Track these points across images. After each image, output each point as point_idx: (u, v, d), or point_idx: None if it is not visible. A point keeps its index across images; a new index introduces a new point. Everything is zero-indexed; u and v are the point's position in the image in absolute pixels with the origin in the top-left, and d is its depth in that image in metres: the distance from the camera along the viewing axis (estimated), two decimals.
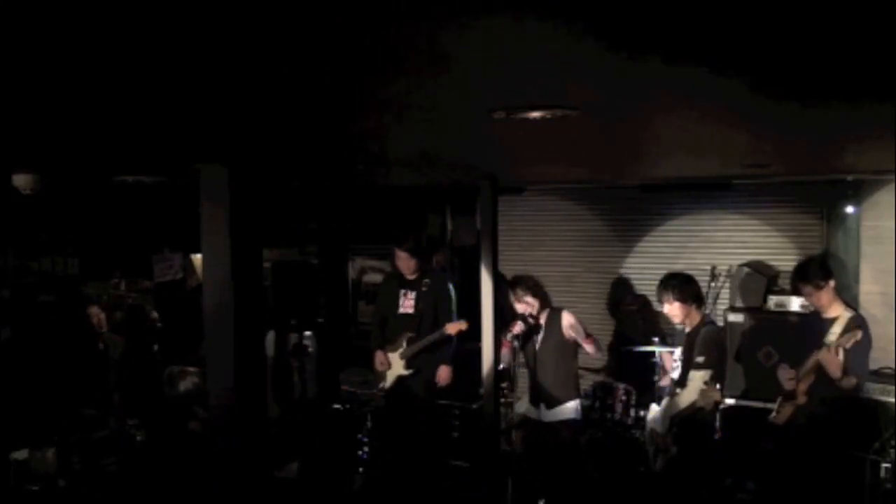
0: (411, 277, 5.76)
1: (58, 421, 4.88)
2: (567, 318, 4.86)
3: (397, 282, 5.85)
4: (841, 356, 4.17)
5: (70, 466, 4.68)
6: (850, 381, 4.21)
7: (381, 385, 5.85)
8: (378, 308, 6.17)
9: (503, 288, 6.42)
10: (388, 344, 5.81)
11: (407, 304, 5.80)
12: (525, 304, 4.84)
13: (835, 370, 4.18)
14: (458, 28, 1.21)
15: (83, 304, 5.81)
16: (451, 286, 5.90)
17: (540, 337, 4.89)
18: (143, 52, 1.34)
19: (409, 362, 5.68)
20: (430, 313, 5.72)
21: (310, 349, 6.00)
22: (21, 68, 1.47)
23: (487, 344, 4.79)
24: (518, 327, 4.81)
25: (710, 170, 4.90)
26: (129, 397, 5.68)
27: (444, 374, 5.67)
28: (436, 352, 5.69)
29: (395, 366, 5.74)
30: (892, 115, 2.21)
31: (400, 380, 5.74)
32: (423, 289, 5.73)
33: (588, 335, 4.88)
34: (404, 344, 5.70)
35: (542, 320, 4.93)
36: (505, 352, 4.94)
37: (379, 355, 5.79)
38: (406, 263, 5.69)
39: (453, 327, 5.55)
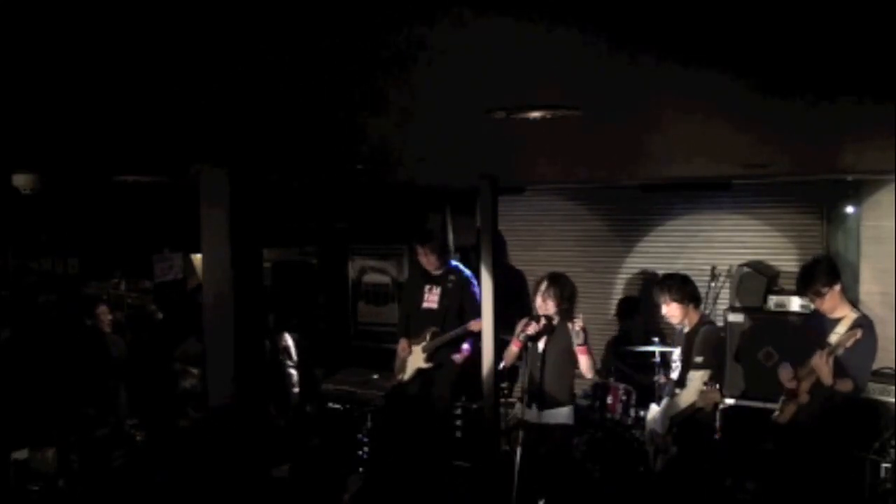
0: (436, 273, 5.82)
1: (58, 421, 4.88)
2: (577, 322, 4.84)
3: (422, 278, 5.92)
4: (831, 363, 4.15)
5: (69, 466, 4.69)
6: (846, 385, 4.18)
7: (399, 377, 5.89)
8: (403, 304, 6.28)
9: (524, 284, 6.45)
10: (412, 337, 5.87)
11: (431, 299, 5.85)
12: (548, 306, 4.80)
13: (825, 377, 4.17)
14: (458, 27, 1.21)
15: (91, 304, 5.82)
16: (475, 283, 5.91)
17: (547, 339, 4.87)
18: (144, 53, 1.34)
19: (431, 356, 5.73)
20: (455, 309, 5.77)
21: (292, 351, 6.01)
22: (22, 68, 1.47)
23: (487, 344, 4.79)
24: (532, 328, 4.78)
25: (710, 170, 4.90)
26: (130, 397, 5.69)
27: (459, 357, 5.70)
28: (457, 347, 5.75)
29: (416, 358, 5.78)
30: (892, 115, 2.21)
31: (420, 372, 5.78)
32: (449, 284, 5.80)
33: (585, 343, 4.78)
34: (427, 337, 5.75)
35: (554, 322, 4.90)
36: (514, 350, 4.92)
37: (403, 341, 5.88)
38: (428, 259, 5.78)
39: (477, 324, 5.53)
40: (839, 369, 4.18)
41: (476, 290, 5.81)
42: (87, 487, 4.72)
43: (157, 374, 5.91)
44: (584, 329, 4.66)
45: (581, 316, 4.74)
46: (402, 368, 5.88)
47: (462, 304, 5.77)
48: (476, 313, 5.67)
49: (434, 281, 5.86)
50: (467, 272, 6.18)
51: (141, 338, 6.21)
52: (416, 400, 5.84)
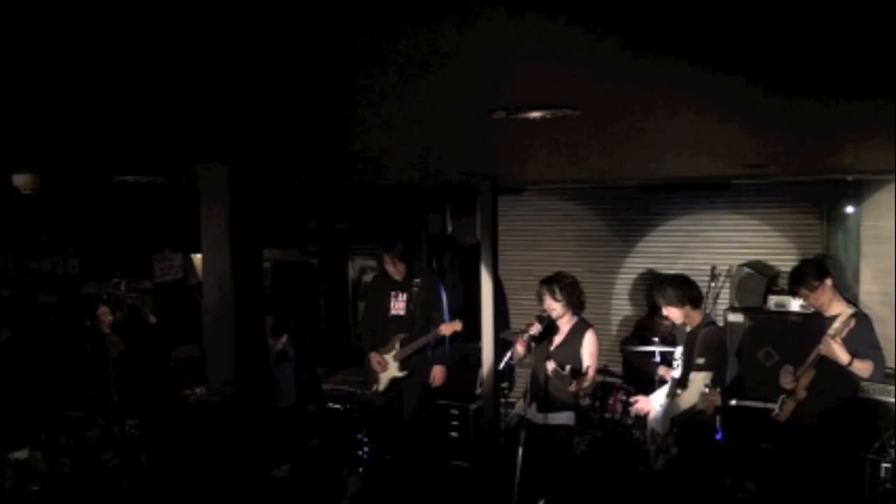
0: (401, 279, 5.74)
1: (48, 422, 4.88)
2: (590, 341, 4.84)
3: (388, 283, 5.81)
4: (840, 341, 4.18)
5: (60, 468, 4.67)
6: (865, 365, 4.18)
7: (374, 388, 5.83)
8: (368, 309, 6.15)
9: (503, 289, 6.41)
10: (380, 346, 5.78)
11: (398, 305, 5.76)
12: (548, 306, 4.83)
13: (841, 356, 4.18)
14: (458, 27, 1.21)
15: (91, 304, 5.81)
16: (441, 286, 5.89)
17: (557, 341, 4.87)
18: (144, 53, 1.34)
19: (403, 364, 5.67)
20: (422, 314, 5.69)
21: (289, 354, 5.95)
22: (21, 68, 1.47)
23: (487, 344, 4.79)
24: (535, 328, 4.80)
25: (710, 170, 4.90)
26: (127, 397, 5.68)
27: (438, 373, 5.66)
28: (429, 352, 5.68)
29: (389, 367, 5.73)
30: (892, 115, 2.21)
31: (394, 382, 5.73)
32: (415, 289, 5.70)
33: (590, 370, 4.81)
34: (397, 346, 5.68)
35: (567, 326, 4.90)
36: (520, 350, 4.95)
37: (374, 356, 5.76)
38: (395, 267, 5.68)
39: (448, 328, 5.54)
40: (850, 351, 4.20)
41: (443, 292, 5.80)
42: (80, 489, 4.71)
43: (150, 375, 5.89)
44: (593, 354, 4.77)
45: (593, 333, 4.82)
46: (376, 380, 5.78)
47: (429, 308, 5.71)
48: (441, 317, 5.67)
49: (400, 287, 5.76)
50: (433, 275, 6.16)
51: (134, 339, 6.19)
52: (396, 406, 5.80)
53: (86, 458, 4.81)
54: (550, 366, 4.66)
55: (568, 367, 4.67)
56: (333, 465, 6.00)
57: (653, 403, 5.03)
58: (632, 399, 5.36)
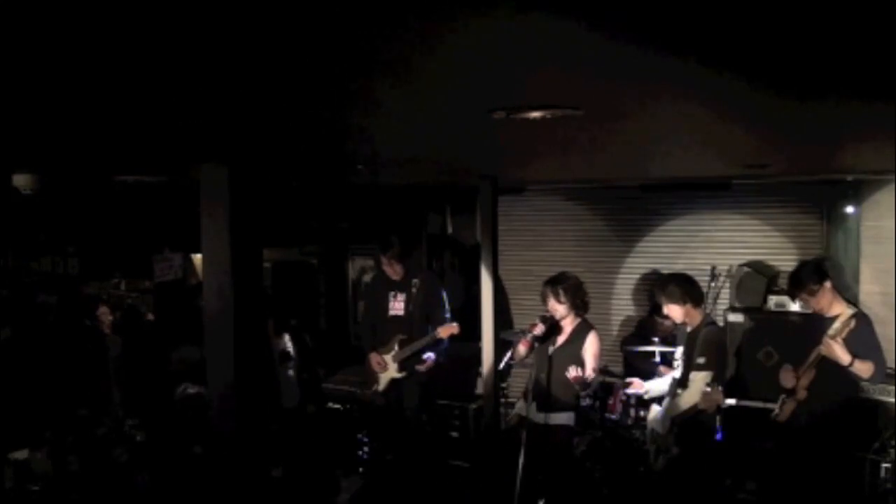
0: (398, 279, 5.73)
1: (53, 422, 4.88)
2: (591, 343, 4.85)
3: (385, 283, 5.80)
4: (841, 342, 4.18)
5: (66, 467, 4.68)
6: (866, 366, 4.18)
7: (374, 388, 5.83)
8: (367, 310, 6.15)
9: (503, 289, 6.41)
10: (379, 346, 5.78)
11: (397, 306, 5.76)
12: (552, 307, 4.83)
13: (842, 356, 4.17)
14: (458, 27, 1.21)
15: (91, 304, 5.80)
16: (441, 285, 5.88)
17: (559, 341, 4.87)
18: (145, 52, 1.34)
19: (402, 365, 5.67)
20: (421, 314, 5.69)
21: (291, 353, 5.94)
22: (21, 68, 1.47)
23: (487, 344, 4.79)
24: (539, 328, 4.80)
25: (710, 170, 4.90)
26: (127, 397, 5.68)
27: (428, 361, 5.64)
28: (427, 352, 5.69)
29: (388, 368, 5.73)
30: (892, 115, 2.21)
31: (393, 382, 5.73)
32: (413, 290, 5.69)
33: (590, 371, 4.80)
34: (396, 347, 5.67)
35: (569, 327, 4.90)
36: (522, 350, 4.96)
37: (374, 356, 5.76)
38: (392, 268, 5.67)
39: (445, 331, 5.53)
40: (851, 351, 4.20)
41: (443, 292, 5.80)
42: (90, 485, 4.71)
43: (149, 375, 5.89)
44: (595, 356, 4.77)
45: (595, 335, 4.84)
46: (376, 380, 5.78)
47: (429, 309, 5.70)
48: (441, 316, 5.67)
49: (398, 287, 5.74)
50: (432, 275, 6.15)
51: (132, 339, 6.18)
52: (396, 406, 5.80)
53: (95, 455, 4.82)
54: (574, 373, 4.66)
55: (592, 375, 4.70)
56: (327, 465, 6.00)
57: (647, 387, 5.06)
58: (626, 380, 5.38)
